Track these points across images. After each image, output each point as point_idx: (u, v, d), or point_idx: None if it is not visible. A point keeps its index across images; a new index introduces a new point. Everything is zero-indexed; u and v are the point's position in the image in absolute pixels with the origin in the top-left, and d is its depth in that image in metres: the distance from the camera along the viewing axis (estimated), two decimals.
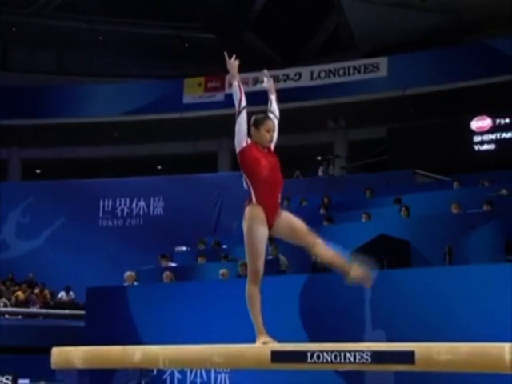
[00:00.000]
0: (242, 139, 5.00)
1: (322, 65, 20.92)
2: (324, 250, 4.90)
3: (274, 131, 5.07)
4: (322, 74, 20.71)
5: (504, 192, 13.80)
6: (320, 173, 20.63)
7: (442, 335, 7.50)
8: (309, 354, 3.94)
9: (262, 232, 4.82)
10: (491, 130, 18.89)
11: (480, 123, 18.93)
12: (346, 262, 4.76)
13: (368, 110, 19.76)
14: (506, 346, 3.57)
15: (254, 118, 5.10)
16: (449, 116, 19.04)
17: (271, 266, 11.59)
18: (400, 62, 19.77)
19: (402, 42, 19.80)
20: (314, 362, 3.94)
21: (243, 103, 5.02)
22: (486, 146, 19.08)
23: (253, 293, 4.91)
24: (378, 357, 3.82)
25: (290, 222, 4.97)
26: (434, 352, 3.77)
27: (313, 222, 14.12)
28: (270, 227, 4.87)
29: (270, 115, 5.19)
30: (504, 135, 18.76)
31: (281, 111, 18.44)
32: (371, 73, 20.00)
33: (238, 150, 5.04)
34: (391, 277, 9.59)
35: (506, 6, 18.37)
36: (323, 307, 9.50)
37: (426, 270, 9.98)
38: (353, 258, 4.76)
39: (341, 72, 20.49)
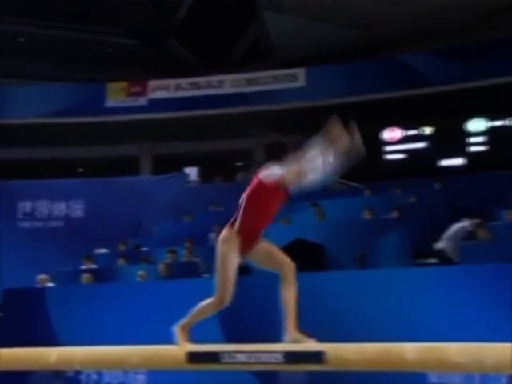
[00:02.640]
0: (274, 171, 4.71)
1: (243, 73, 20.98)
2: (288, 294, 4.75)
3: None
4: (244, 82, 20.77)
5: (413, 199, 14.13)
6: (239, 178, 20.69)
7: (354, 336, 7.60)
8: (223, 355, 3.96)
9: (236, 261, 4.71)
10: (401, 141, 19.34)
11: (391, 134, 19.36)
12: (293, 323, 4.56)
13: (285, 117, 19.93)
14: (407, 345, 3.67)
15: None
16: (362, 126, 19.29)
17: (187, 269, 11.57)
18: (318, 73, 20.01)
19: (320, 54, 20.04)
20: (228, 363, 3.96)
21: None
22: (396, 156, 19.51)
23: (210, 309, 4.86)
24: (290, 357, 3.87)
25: (269, 248, 4.85)
26: (343, 352, 3.85)
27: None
28: (245, 253, 4.75)
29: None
30: (413, 146, 19.25)
31: (202, 118, 18.44)
32: (289, 83, 20.19)
33: (269, 178, 4.71)
34: (307, 279, 9.64)
35: (417, 24, 18.83)
36: (241, 309, 9.48)
37: (340, 274, 10.13)
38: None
39: (261, 81, 20.60)
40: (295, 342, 4.26)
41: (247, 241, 4.67)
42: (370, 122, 19.00)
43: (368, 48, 19.85)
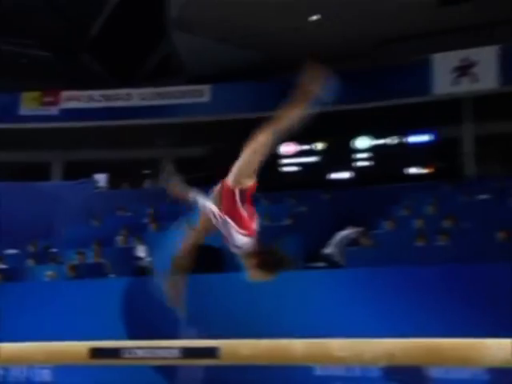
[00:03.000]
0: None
1: (152, 88, 20.85)
2: None
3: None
4: (152, 96, 20.64)
5: (305, 208, 14.37)
6: (146, 185, 20.54)
7: (249, 333, 7.65)
8: (123, 351, 3.92)
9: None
10: (296, 155, 19.63)
11: (287, 148, 19.61)
12: None
13: (192, 130, 19.93)
14: (296, 341, 3.73)
15: None
16: None
17: (94, 270, 11.40)
18: (222, 90, 20.09)
19: (225, 72, 20.13)
20: (129, 358, 3.93)
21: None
22: (291, 168, 19.79)
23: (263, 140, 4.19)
24: (186, 352, 3.86)
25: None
26: (236, 348, 3.87)
27: (139, 229, 14.08)
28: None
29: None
30: (306, 159, 19.57)
31: (112, 128, 18.13)
32: (195, 98, 20.19)
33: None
34: (204, 280, 9.70)
35: (313, 49, 19.17)
36: (143, 308, 9.45)
37: (236, 275, 10.14)
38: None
39: (169, 95, 20.52)
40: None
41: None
42: None
43: (268, 69, 20.07)
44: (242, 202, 4.30)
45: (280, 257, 4.25)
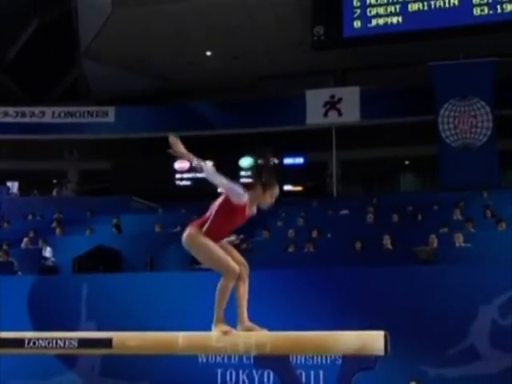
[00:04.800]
0: (241, 196, 4.12)
1: (62, 107, 20.35)
2: (242, 290, 4.08)
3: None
4: (62, 114, 20.13)
5: (195, 217, 14.33)
6: (54, 193, 19.99)
7: (141, 326, 7.58)
8: (26, 341, 3.81)
9: (211, 242, 4.05)
10: (189, 170, 19.61)
11: (181, 164, 19.55)
12: (245, 314, 4.03)
13: (97, 146, 19.56)
14: (179, 334, 3.75)
15: (266, 179, 4.11)
16: (159, 157, 19.34)
17: (4, 268, 10.96)
18: (125, 112, 19.85)
19: (128, 96, 19.91)
20: (31, 347, 3.82)
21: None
22: (184, 182, 19.77)
23: (227, 286, 4.01)
24: (84, 343, 3.80)
25: (228, 247, 4.15)
26: (127, 339, 3.84)
27: (46, 232, 13.61)
28: None
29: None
30: (197, 175, 19.59)
31: (25, 141, 17.44)
32: (101, 117, 19.84)
33: (234, 201, 4.12)
34: (105, 279, 9.54)
35: (206, 81, 19.32)
36: (48, 303, 9.17)
37: (133, 275, 10.09)
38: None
39: (77, 114, 20.09)
40: (248, 330, 3.87)
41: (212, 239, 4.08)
42: (166, 153, 19.11)
43: (167, 95, 20.02)
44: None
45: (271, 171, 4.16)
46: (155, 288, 8.91)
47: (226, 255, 4.04)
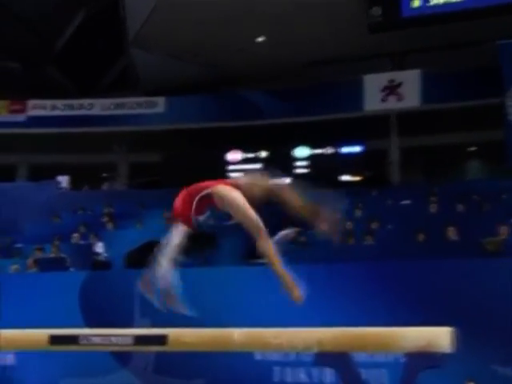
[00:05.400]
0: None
1: (111, 98, 20.70)
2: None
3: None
4: (111, 106, 20.49)
5: None
6: (104, 187, 20.39)
7: (198, 322, 7.69)
8: (80, 338, 3.90)
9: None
10: (241, 162, 19.71)
11: (233, 156, 19.67)
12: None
13: (147, 138, 19.84)
14: (235, 330, 3.78)
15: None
16: (210, 148, 19.58)
17: (56, 264, 11.25)
18: (175, 102, 20.05)
19: (178, 86, 20.09)
20: (85, 344, 3.91)
21: None
22: (237, 174, 19.83)
23: (269, 246, 4.12)
24: (139, 340, 3.87)
25: None
26: (182, 335, 3.89)
27: (96, 227, 13.92)
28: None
29: None
30: (251, 166, 19.66)
31: (75, 134, 17.88)
32: (151, 108, 20.10)
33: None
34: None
35: (257, 68, 19.32)
36: (100, 299, 9.38)
37: (185, 270, 10.14)
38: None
39: (127, 106, 20.40)
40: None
41: None
42: (217, 144, 19.30)
43: (217, 84, 20.13)
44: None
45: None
46: (208, 283, 8.99)
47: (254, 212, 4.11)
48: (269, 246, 4.12)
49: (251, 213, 4.15)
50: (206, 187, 4.17)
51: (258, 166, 19.67)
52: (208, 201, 4.20)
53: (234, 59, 19.20)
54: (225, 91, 20.21)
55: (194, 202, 4.15)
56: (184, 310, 4.01)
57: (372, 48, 17.99)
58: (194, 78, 20.02)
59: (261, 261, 10.25)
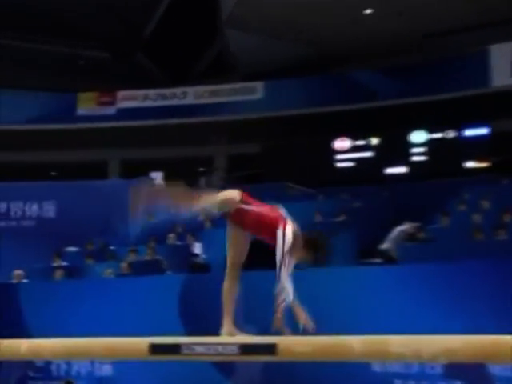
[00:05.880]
0: None
1: (205, 86, 21.00)
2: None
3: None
4: (206, 94, 20.78)
5: (360, 204, 14.25)
6: (201, 183, 20.68)
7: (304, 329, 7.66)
8: (183, 347, 3.94)
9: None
10: (350, 150, 19.51)
11: (341, 144, 19.50)
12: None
13: (245, 127, 19.98)
14: (353, 338, 3.70)
15: None
16: (315, 136, 19.49)
17: (151, 267, 11.53)
18: (275, 87, 20.10)
19: (277, 68, 20.13)
20: (188, 354, 3.95)
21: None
22: (346, 164, 19.67)
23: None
24: (245, 349, 3.87)
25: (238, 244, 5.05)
26: (293, 344, 3.86)
27: (193, 226, 14.19)
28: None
29: None
30: (361, 155, 19.43)
31: (167, 126, 18.30)
32: (249, 95, 20.24)
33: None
34: (261, 277, 9.68)
35: (364, 45, 19.04)
36: (200, 304, 9.51)
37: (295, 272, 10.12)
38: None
39: (222, 93, 20.63)
40: (230, 335, 4.43)
41: (236, 217, 4.85)
42: (323, 132, 19.19)
43: (322, 64, 19.99)
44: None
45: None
46: (319, 286, 8.93)
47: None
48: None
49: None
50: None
51: (368, 154, 19.43)
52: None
53: (339, 35, 19.00)
54: (330, 72, 20.05)
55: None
56: (287, 332, 4.37)
57: (499, 12, 17.31)
58: (295, 59, 19.98)
59: (378, 260, 10.12)
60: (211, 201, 4.75)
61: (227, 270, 4.83)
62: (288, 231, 4.58)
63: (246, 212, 4.70)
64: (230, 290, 4.91)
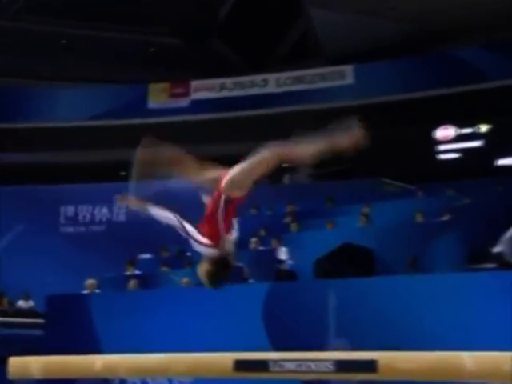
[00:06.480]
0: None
1: (288, 72, 21.00)
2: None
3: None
4: (289, 81, 20.79)
5: (468, 201, 13.97)
6: (286, 180, 20.70)
7: (406, 344, 7.56)
8: (271, 363, 3.96)
9: None
10: (455, 140, 19.16)
11: (444, 132, 19.17)
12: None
13: (333, 117, 19.84)
14: (464, 354, 3.63)
15: None
16: (413, 125, 19.21)
17: (232, 275, 11.61)
18: (366, 71, 19.94)
19: (369, 50, 19.96)
20: (277, 371, 3.96)
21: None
22: (449, 155, 19.33)
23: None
24: (341, 365, 3.85)
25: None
26: (396, 361, 3.82)
27: (277, 229, 14.23)
28: None
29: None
30: (468, 144, 19.05)
31: (247, 118, 18.42)
32: (337, 80, 20.14)
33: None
34: (355, 285, 9.66)
35: (468, 17, 18.63)
36: (286, 315, 9.54)
37: (390, 279, 10.06)
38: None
39: (307, 79, 20.60)
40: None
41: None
42: (422, 120, 18.90)
43: (420, 42, 19.68)
44: (226, 210, 4.77)
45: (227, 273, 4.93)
46: (421, 294, 8.82)
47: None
48: (270, 157, 4.70)
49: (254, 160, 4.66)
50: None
51: (476, 143, 19.05)
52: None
53: (440, 8, 18.67)
54: (430, 51, 19.73)
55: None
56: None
57: None
58: (389, 39, 19.75)
59: (491, 265, 9.89)
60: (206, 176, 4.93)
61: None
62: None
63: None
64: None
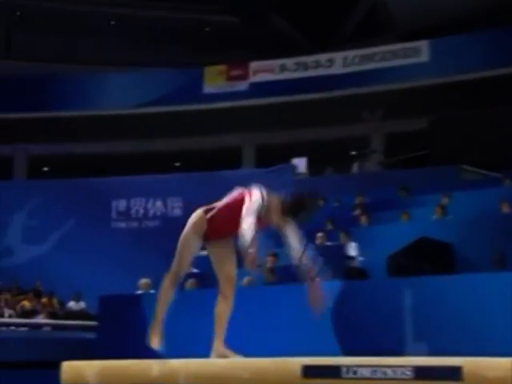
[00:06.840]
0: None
1: (356, 50, 20.89)
2: (220, 308, 5.75)
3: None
4: (356, 60, 20.68)
5: None
6: (355, 169, 20.57)
7: (492, 349, 7.43)
8: (343, 369, 3.92)
9: (196, 245, 5.57)
10: None
11: None
12: (221, 339, 5.47)
13: (407, 98, 19.71)
14: None
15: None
16: (498, 105, 18.89)
17: (296, 273, 11.58)
18: (443, 46, 19.69)
19: (445, 23, 19.73)
20: (350, 378, 3.92)
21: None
22: None
23: (166, 290, 5.68)
24: (421, 372, 3.78)
25: (227, 254, 5.55)
26: (483, 368, 3.73)
27: (346, 223, 14.17)
28: (208, 239, 5.48)
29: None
30: None
31: (311, 102, 18.39)
32: (411, 58, 19.94)
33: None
34: (433, 284, 9.54)
35: None
36: (358, 317, 9.47)
37: (472, 277, 9.91)
38: None
39: (377, 57, 20.45)
40: (222, 357, 5.01)
41: (212, 231, 5.39)
42: (507, 98, 18.57)
43: (502, 13, 19.37)
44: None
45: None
46: (507, 294, 8.67)
47: (187, 265, 5.74)
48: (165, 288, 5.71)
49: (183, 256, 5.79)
50: None
51: None
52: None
53: None
54: None
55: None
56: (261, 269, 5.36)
57: None
58: (468, 10, 19.49)
59: None
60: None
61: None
62: (254, 196, 5.20)
63: (215, 215, 5.38)
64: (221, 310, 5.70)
